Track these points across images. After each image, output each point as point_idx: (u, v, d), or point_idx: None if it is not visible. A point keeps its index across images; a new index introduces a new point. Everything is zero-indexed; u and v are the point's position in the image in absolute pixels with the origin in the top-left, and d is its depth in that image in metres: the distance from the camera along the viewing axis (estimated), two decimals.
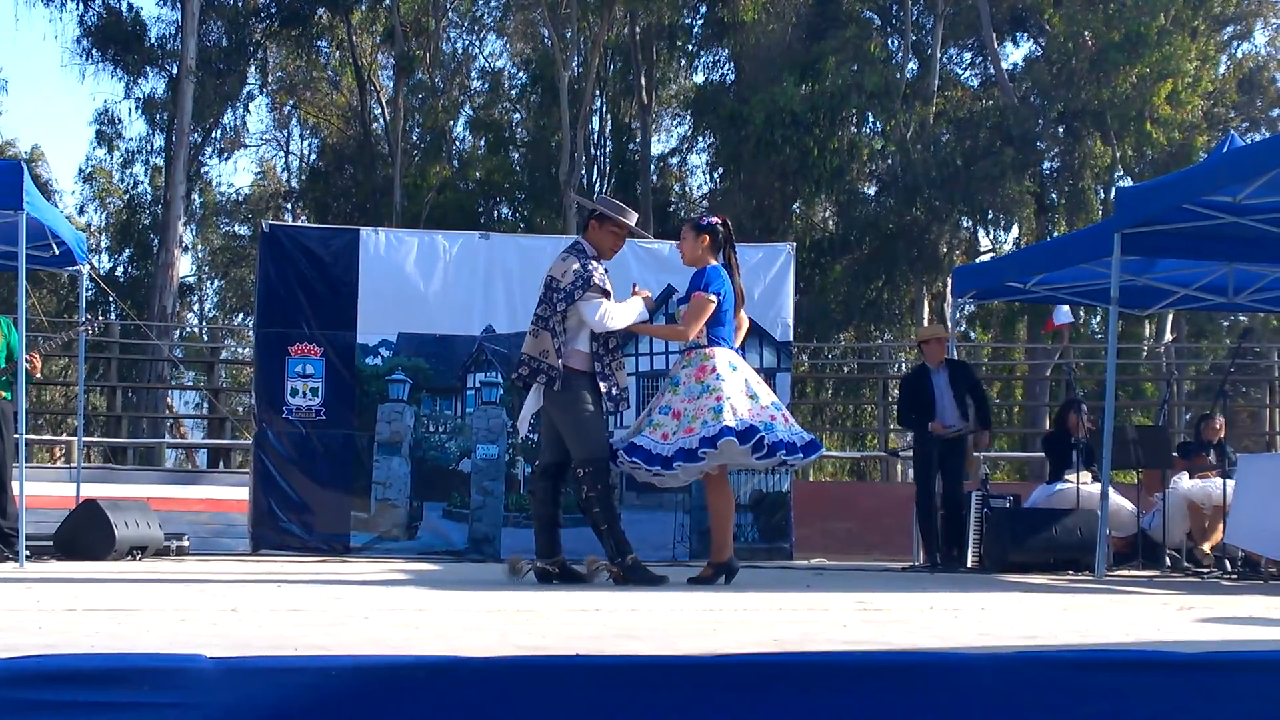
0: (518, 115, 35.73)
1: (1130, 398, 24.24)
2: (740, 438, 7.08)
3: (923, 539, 10.89)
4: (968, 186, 27.67)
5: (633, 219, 7.62)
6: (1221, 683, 3.22)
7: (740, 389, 7.27)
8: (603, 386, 7.27)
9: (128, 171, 34.61)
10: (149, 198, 34.48)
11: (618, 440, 7.55)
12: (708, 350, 7.34)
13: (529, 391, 7.43)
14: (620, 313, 7.30)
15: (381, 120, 33.49)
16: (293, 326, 10.95)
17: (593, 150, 33.71)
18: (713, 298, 7.32)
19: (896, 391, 27.52)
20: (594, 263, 7.35)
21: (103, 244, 35.62)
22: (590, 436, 7.25)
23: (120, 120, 33.98)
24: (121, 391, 22.38)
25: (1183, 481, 10.50)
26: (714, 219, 7.74)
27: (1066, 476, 10.92)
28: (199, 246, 40.52)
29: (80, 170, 37.41)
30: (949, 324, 14.71)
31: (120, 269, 34.41)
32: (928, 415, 10.63)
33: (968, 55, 34.14)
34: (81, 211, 36.29)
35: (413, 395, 10.96)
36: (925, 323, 29.74)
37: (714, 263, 7.50)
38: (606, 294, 7.28)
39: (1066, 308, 12.61)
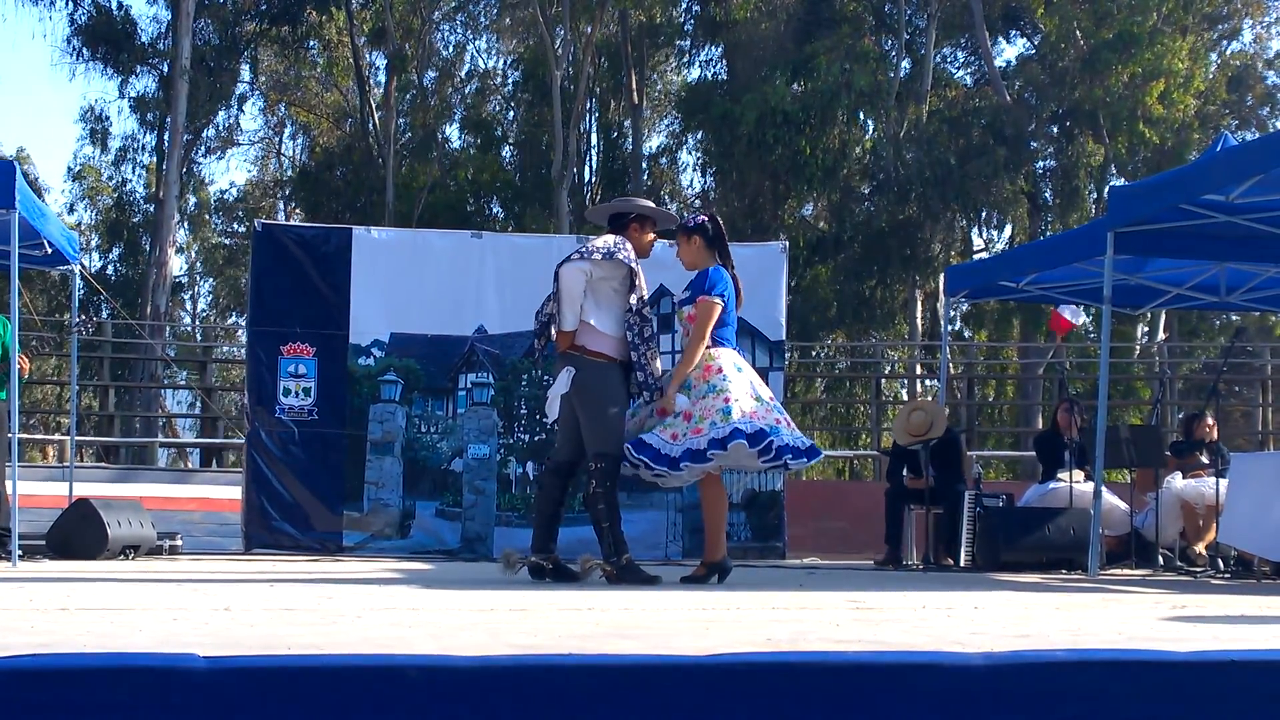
0: (510, 114, 35.73)
1: (1122, 397, 24.27)
2: (750, 440, 7.06)
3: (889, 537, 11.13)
4: (961, 185, 27.71)
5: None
6: (1214, 683, 3.22)
7: (746, 390, 7.25)
8: (639, 376, 7.25)
9: (118, 170, 34.62)
10: (139, 196, 34.47)
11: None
12: (713, 351, 7.30)
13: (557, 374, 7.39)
14: (572, 303, 7.22)
15: (372, 119, 33.48)
16: (285, 326, 10.94)
17: (584, 149, 33.70)
18: (718, 300, 7.31)
19: (889, 390, 27.67)
20: (629, 246, 7.35)
21: (93, 243, 35.59)
22: (611, 431, 7.20)
23: (109, 118, 34.01)
24: (114, 390, 22.36)
25: (1176, 481, 10.51)
26: (701, 217, 7.70)
27: (1059, 476, 10.93)
28: (192, 247, 40.51)
29: (69, 169, 37.42)
30: (942, 323, 14.70)
31: (110, 268, 34.37)
32: (911, 472, 11.21)
33: (961, 54, 34.21)
34: (71, 210, 36.27)
35: (405, 395, 10.96)
36: (919, 324, 29.78)
37: (714, 263, 7.49)
38: (634, 272, 7.26)
39: (1075, 307, 12.61)
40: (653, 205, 7.83)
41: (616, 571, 7.12)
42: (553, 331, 7.35)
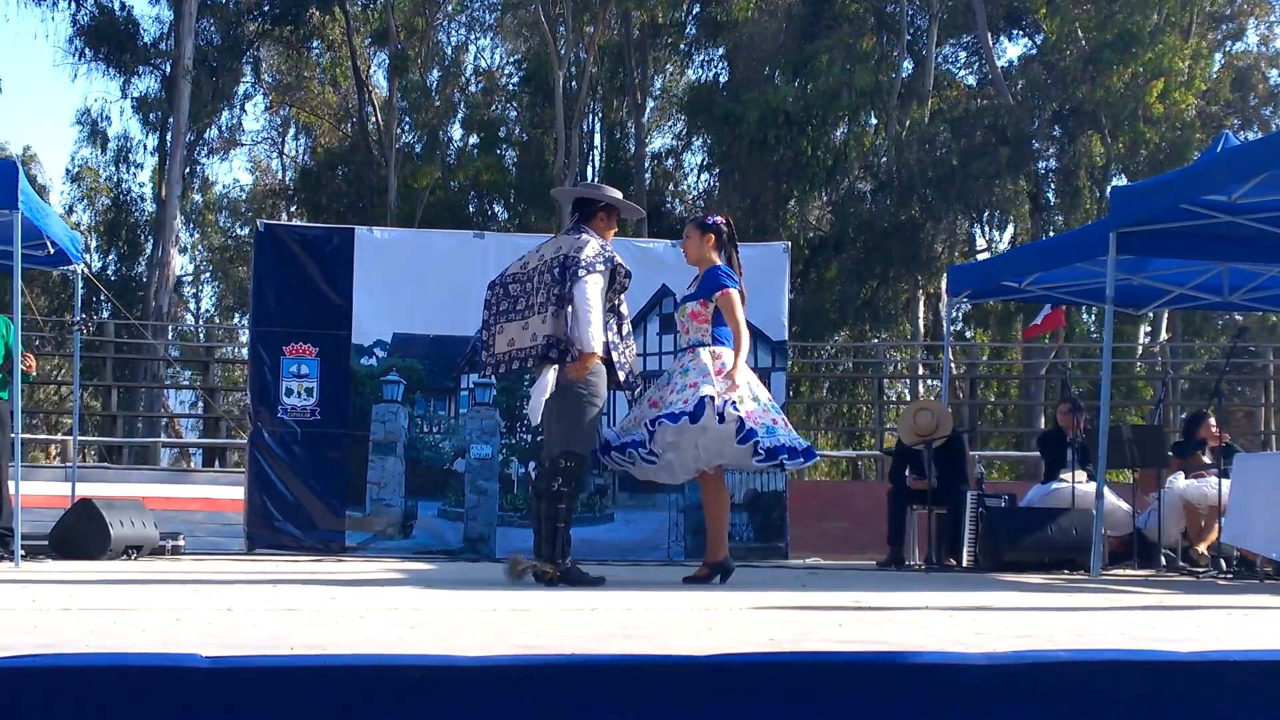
0: (512, 114, 35.73)
1: (1124, 397, 24.26)
2: (690, 417, 7.02)
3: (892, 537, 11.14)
4: (963, 185, 27.69)
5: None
6: (1217, 683, 3.22)
7: (746, 392, 7.26)
8: (620, 376, 7.24)
9: (118, 170, 34.59)
10: (136, 196, 34.49)
11: (611, 437, 7.53)
12: (715, 349, 7.33)
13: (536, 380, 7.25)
14: (598, 320, 7.10)
15: (373, 118, 33.50)
16: (288, 326, 10.94)
17: (587, 149, 33.70)
18: (735, 289, 7.34)
19: (892, 390, 27.66)
20: (608, 243, 7.33)
21: (92, 244, 35.58)
22: (587, 430, 7.14)
23: (109, 119, 34.03)
24: (116, 390, 22.36)
25: (1178, 481, 10.51)
26: (719, 218, 7.73)
27: (1062, 476, 10.92)
28: (198, 247, 40.55)
29: (68, 171, 37.38)
30: (945, 323, 14.71)
31: (110, 268, 34.35)
32: (914, 472, 11.22)
33: (963, 54, 34.19)
34: (70, 211, 36.24)
35: (407, 396, 10.96)
36: (921, 324, 29.77)
37: (719, 262, 7.50)
38: (622, 271, 7.25)
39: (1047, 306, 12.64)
40: (620, 195, 7.73)
41: (562, 574, 6.91)
42: (499, 350, 7.30)
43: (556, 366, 7.10)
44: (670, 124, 36.55)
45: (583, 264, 7.06)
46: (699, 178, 35.54)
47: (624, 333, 7.33)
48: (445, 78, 34.57)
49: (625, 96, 33.36)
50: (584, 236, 7.26)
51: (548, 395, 7.13)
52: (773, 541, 11.23)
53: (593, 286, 7.04)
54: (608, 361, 7.17)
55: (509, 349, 7.27)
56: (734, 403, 7.11)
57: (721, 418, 7.05)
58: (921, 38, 31.19)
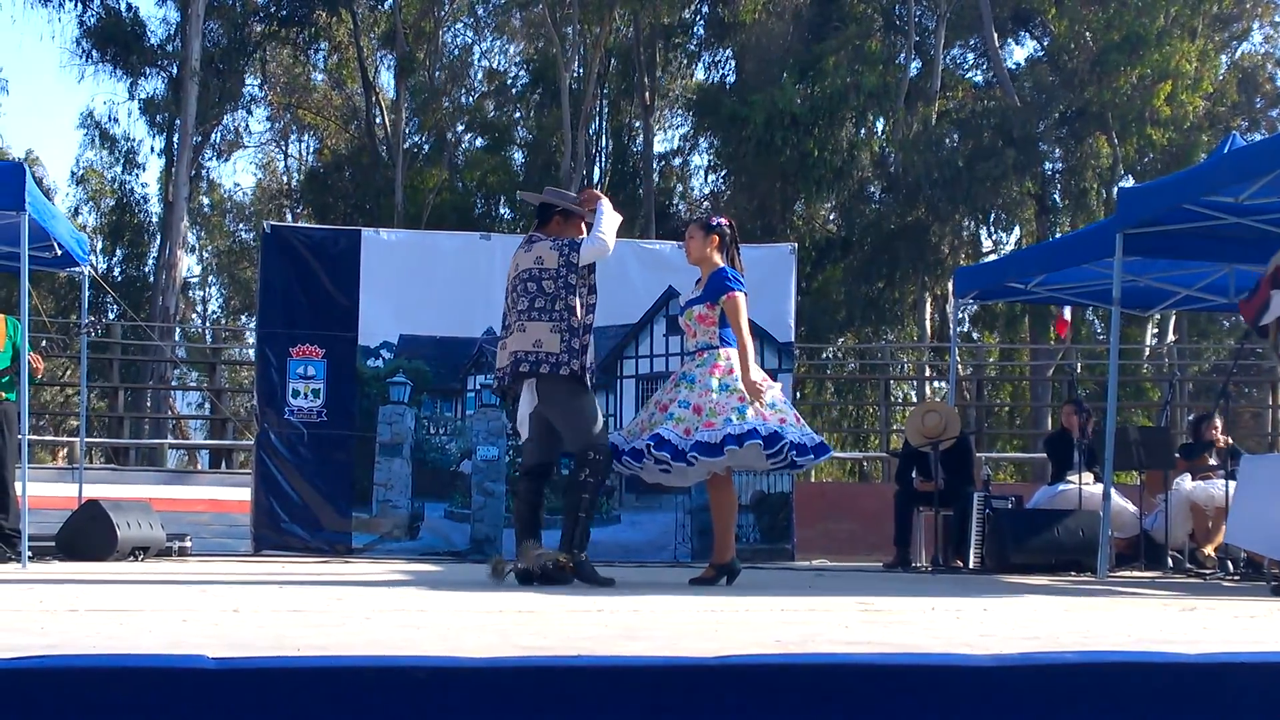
0: (519, 115, 35.73)
1: (1131, 398, 24.22)
2: (766, 442, 7.05)
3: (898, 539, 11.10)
4: (969, 187, 27.66)
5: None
6: (1224, 685, 3.22)
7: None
8: (589, 381, 7.25)
9: (124, 173, 34.61)
10: (139, 197, 34.51)
11: (619, 441, 7.51)
12: (721, 350, 7.32)
13: (519, 397, 7.29)
14: (609, 228, 7.24)
15: (380, 119, 33.51)
16: (294, 328, 10.95)
17: (594, 150, 33.69)
18: (741, 292, 7.34)
19: (898, 392, 27.65)
20: None
21: (97, 245, 35.64)
22: (598, 424, 7.18)
23: (115, 120, 34.07)
24: (123, 392, 22.39)
25: (1185, 483, 10.49)
26: (722, 220, 7.73)
27: (1069, 477, 10.91)
28: (205, 248, 40.57)
29: (72, 173, 37.40)
30: (951, 325, 14.68)
31: (115, 270, 34.38)
32: (921, 474, 11.14)
33: (970, 56, 34.17)
34: (75, 214, 36.30)
35: (413, 397, 10.97)
36: (928, 325, 29.76)
37: (721, 263, 7.49)
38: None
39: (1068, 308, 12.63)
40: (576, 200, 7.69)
41: (576, 566, 6.94)
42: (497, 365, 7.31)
43: (534, 380, 7.15)
44: (678, 125, 36.59)
45: (562, 269, 7.16)
46: (706, 179, 35.56)
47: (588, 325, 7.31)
48: (452, 79, 34.58)
49: (632, 98, 33.35)
50: (543, 244, 7.29)
51: (531, 409, 7.21)
52: (779, 543, 11.22)
53: (593, 245, 7.20)
54: (582, 368, 7.16)
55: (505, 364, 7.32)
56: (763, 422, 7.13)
57: (765, 440, 7.08)
58: (929, 39, 31.17)
